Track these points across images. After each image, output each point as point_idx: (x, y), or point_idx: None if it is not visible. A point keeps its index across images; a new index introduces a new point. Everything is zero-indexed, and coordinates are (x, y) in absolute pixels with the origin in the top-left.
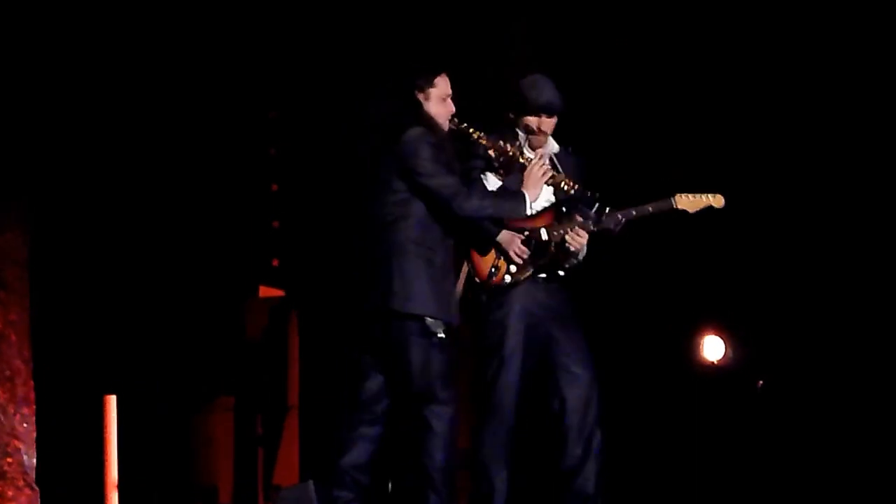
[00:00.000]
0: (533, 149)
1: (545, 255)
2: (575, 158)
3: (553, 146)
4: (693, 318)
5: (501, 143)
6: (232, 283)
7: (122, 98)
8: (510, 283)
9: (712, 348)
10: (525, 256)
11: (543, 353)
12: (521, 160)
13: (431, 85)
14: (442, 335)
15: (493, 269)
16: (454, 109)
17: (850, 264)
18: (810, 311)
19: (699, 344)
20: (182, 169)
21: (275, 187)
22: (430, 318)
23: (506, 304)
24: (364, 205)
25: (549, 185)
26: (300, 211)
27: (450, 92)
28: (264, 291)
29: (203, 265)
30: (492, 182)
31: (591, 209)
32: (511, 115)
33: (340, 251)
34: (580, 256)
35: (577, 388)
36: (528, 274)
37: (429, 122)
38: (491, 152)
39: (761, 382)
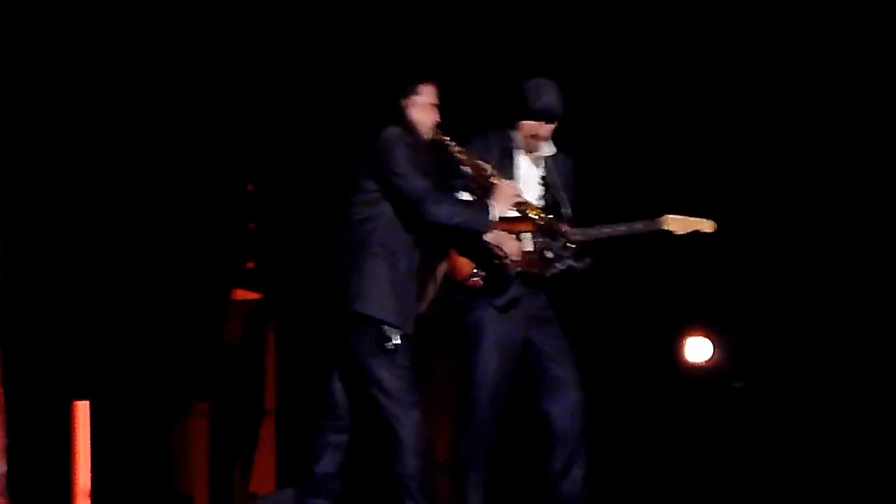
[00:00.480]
0: (529, 152)
1: (526, 262)
2: (568, 161)
3: (547, 149)
4: (679, 318)
5: (480, 162)
6: (207, 286)
7: (94, 96)
8: (489, 286)
9: (699, 349)
10: (514, 259)
11: (526, 356)
12: (495, 181)
13: (416, 92)
14: (397, 341)
15: (473, 270)
16: (438, 119)
17: (838, 262)
18: (799, 310)
19: (685, 345)
20: (156, 169)
21: (251, 187)
22: (386, 324)
23: (481, 307)
24: (336, 203)
25: (518, 211)
26: (277, 212)
27: (436, 101)
28: (240, 294)
29: (177, 268)
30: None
31: (557, 243)
32: (510, 116)
33: (318, 253)
34: (559, 267)
35: (564, 392)
36: (508, 278)
37: (409, 127)
38: (468, 169)
39: (740, 383)
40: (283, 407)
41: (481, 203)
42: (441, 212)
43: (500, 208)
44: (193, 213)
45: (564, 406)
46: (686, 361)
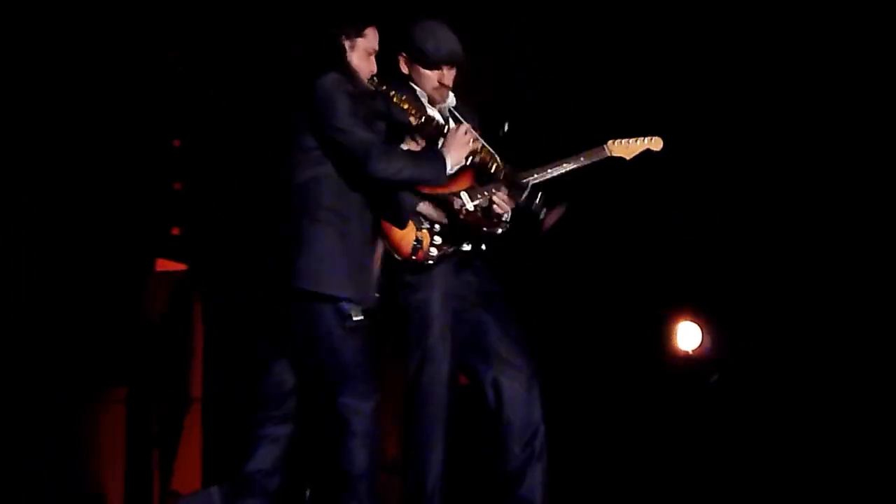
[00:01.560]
0: (433, 104)
1: (471, 223)
2: (475, 112)
3: (451, 99)
4: (666, 302)
5: (425, 109)
6: (125, 256)
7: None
8: (436, 259)
9: (687, 336)
10: (455, 225)
11: (474, 340)
12: (444, 129)
13: (360, 34)
14: (358, 318)
15: (416, 244)
16: (375, 69)
17: (832, 244)
18: (794, 294)
19: (673, 332)
20: (68, 122)
21: (177, 143)
22: (344, 299)
23: (426, 286)
24: (272, 165)
25: (473, 164)
26: (205, 172)
27: (377, 48)
28: (163, 265)
29: (92, 234)
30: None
31: (522, 197)
32: (406, 69)
33: (250, 220)
34: (506, 219)
35: (516, 380)
36: (455, 247)
37: (350, 73)
38: (412, 119)
39: (715, 377)
40: (210, 395)
41: (433, 152)
42: (389, 166)
43: (455, 157)
44: (111, 172)
45: (518, 397)
46: (675, 349)
